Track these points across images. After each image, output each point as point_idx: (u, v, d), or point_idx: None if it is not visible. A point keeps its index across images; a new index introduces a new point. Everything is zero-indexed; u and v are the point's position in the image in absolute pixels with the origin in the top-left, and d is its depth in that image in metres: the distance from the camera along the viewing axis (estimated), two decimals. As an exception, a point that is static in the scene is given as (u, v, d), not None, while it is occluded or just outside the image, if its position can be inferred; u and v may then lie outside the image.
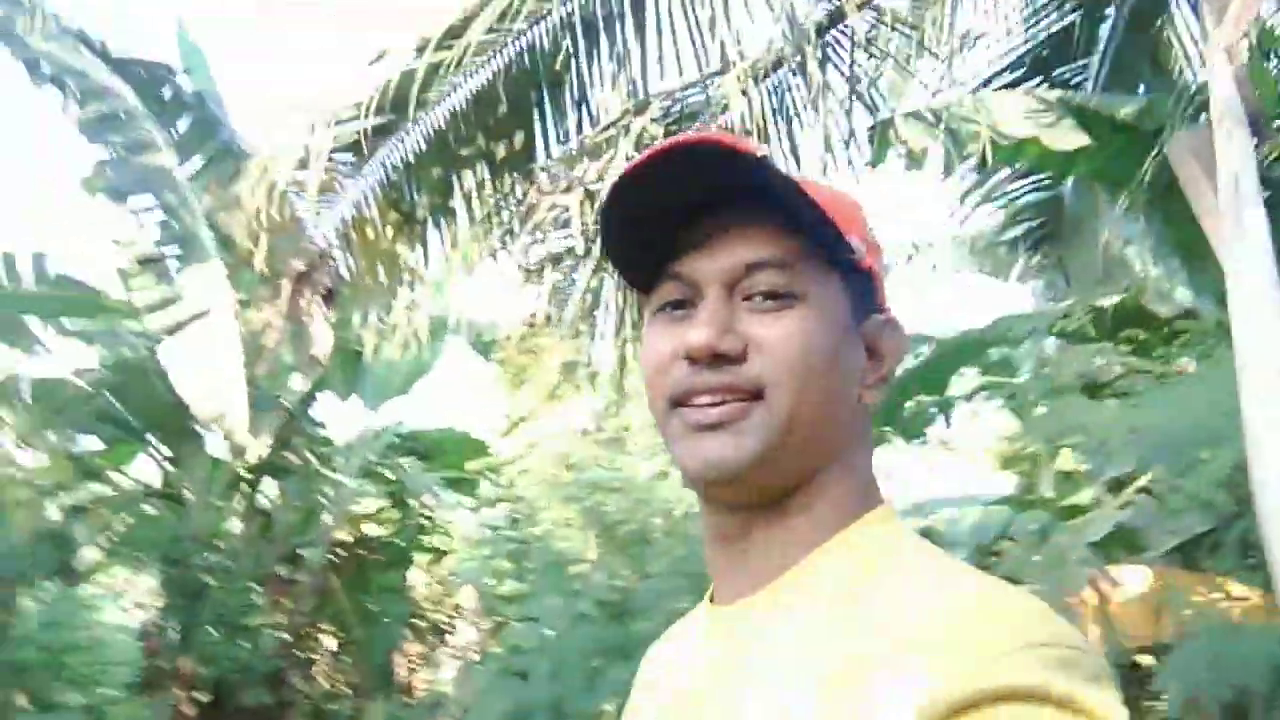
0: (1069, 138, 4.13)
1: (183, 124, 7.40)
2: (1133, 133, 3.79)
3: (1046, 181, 5.55)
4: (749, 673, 0.64)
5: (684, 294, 0.68)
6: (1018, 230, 5.98)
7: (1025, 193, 5.71)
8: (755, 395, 0.65)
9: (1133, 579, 2.92)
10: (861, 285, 0.71)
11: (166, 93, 7.33)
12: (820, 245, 0.67)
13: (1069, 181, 5.36)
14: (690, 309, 0.68)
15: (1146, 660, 2.86)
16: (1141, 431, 1.91)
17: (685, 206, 0.68)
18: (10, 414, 6.46)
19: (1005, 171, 5.27)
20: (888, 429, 6.54)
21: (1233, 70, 1.78)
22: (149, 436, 7.87)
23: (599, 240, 0.76)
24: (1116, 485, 5.09)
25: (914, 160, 4.86)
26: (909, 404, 6.24)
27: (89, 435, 7.53)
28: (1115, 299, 4.59)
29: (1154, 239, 4.13)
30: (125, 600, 7.71)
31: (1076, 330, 4.94)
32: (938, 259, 8.17)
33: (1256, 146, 1.72)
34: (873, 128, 4.03)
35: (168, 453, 7.98)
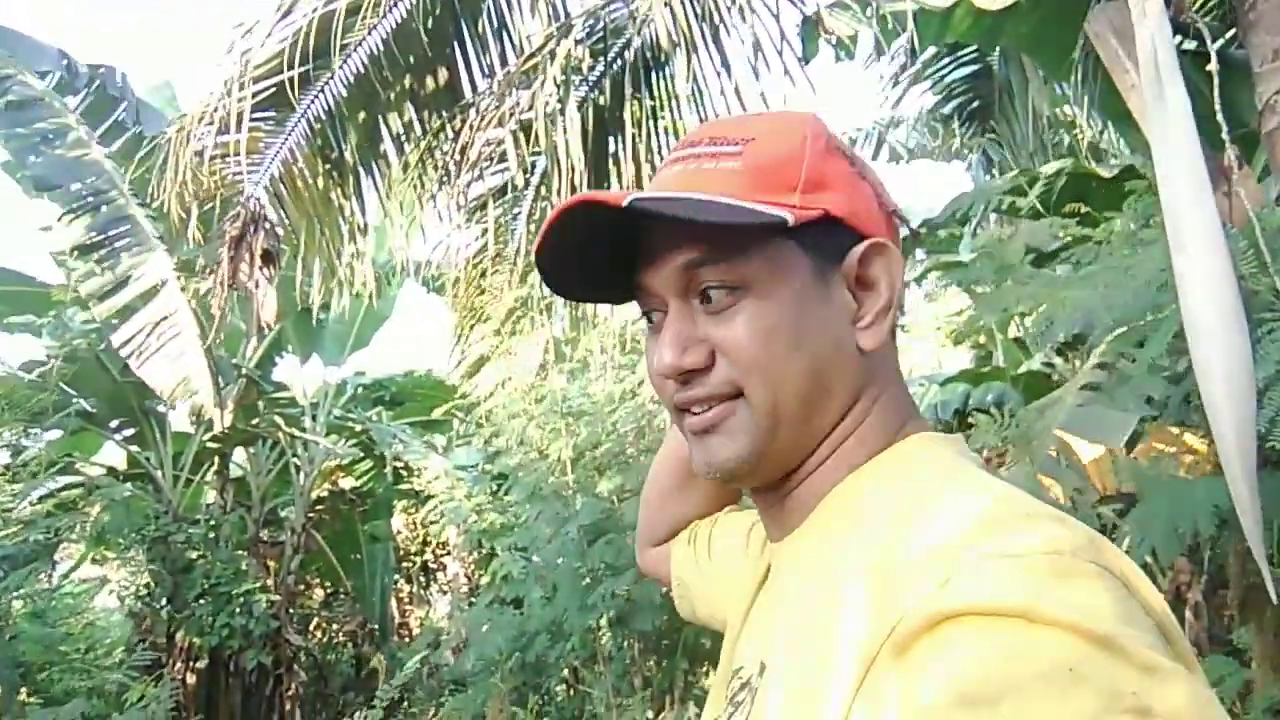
0: (996, -1, 4.05)
1: (81, 98, 7.16)
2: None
3: (975, 54, 5.55)
4: (779, 610, 0.68)
5: (654, 304, 0.70)
6: (951, 107, 6.00)
7: (955, 67, 5.71)
8: (736, 394, 0.66)
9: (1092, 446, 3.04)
10: (823, 229, 0.66)
11: (59, 74, 7.08)
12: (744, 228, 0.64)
13: (996, 54, 5.37)
14: (663, 316, 0.69)
15: (1108, 513, 3.03)
16: (1085, 306, 1.98)
17: (616, 239, 0.68)
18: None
19: (933, 52, 5.25)
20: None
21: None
22: (111, 422, 7.78)
23: (552, 291, 0.75)
24: (1066, 348, 5.25)
25: (844, 49, 4.82)
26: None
27: (51, 430, 7.39)
28: (1055, 166, 4.63)
29: (1089, 102, 4.15)
30: (113, 585, 7.69)
31: (1028, 206, 5.00)
32: (884, 146, 8.17)
33: (1172, 20, 1.75)
34: (802, 24, 3.98)
35: (130, 434, 7.91)
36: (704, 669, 5.88)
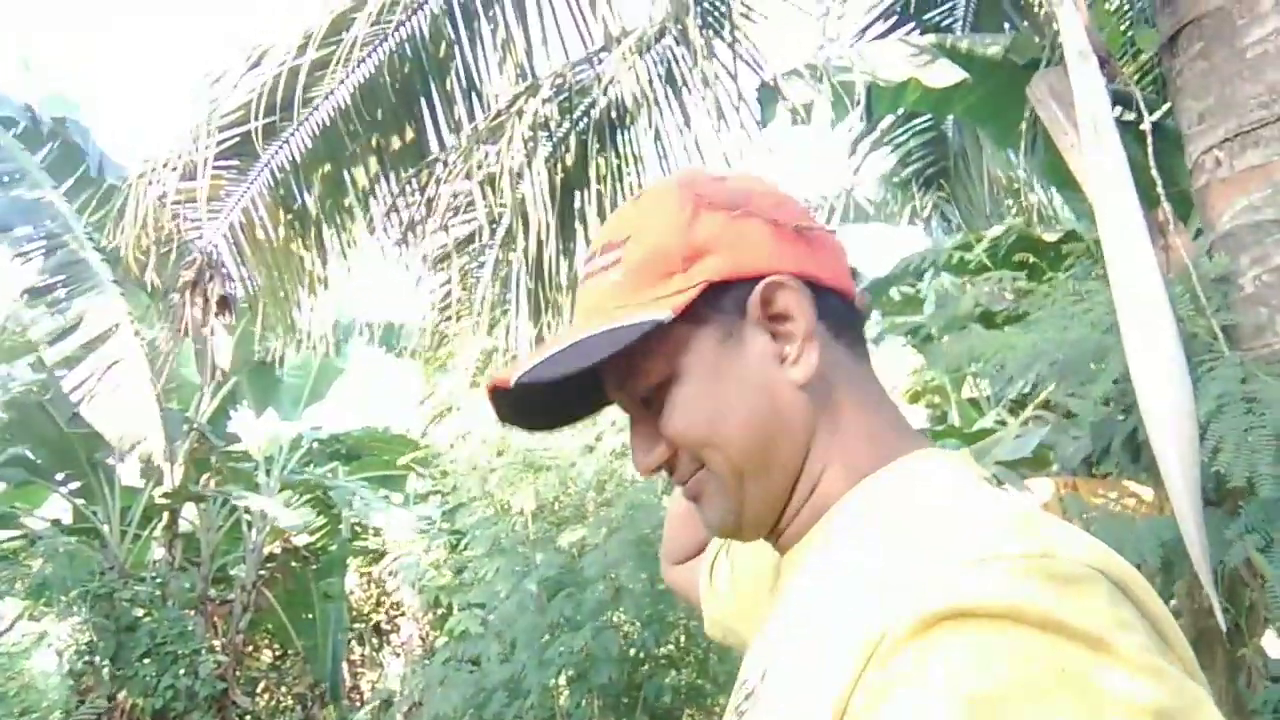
0: (946, 75, 4.25)
1: (47, 151, 7.15)
2: (1001, 68, 3.96)
3: (930, 122, 5.76)
4: (781, 619, 0.71)
5: (624, 411, 0.76)
6: (908, 172, 6.20)
7: (911, 135, 5.91)
8: (703, 465, 0.71)
9: (1042, 490, 3.13)
10: (711, 296, 0.68)
11: (23, 124, 7.07)
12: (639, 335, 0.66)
13: (950, 120, 5.58)
14: None
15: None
16: (1034, 353, 2.06)
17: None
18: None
19: (891, 119, 5.44)
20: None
21: (1080, 12, 1.91)
22: (56, 474, 7.59)
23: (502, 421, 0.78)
24: (1018, 406, 5.37)
25: (799, 116, 4.98)
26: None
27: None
28: (1002, 228, 4.80)
29: (1036, 168, 4.33)
30: (52, 640, 7.42)
31: (974, 261, 5.15)
32: (842, 212, 8.40)
33: (1108, 84, 1.86)
34: (760, 89, 4.12)
35: (77, 487, 7.71)
36: (664, 728, 5.79)
